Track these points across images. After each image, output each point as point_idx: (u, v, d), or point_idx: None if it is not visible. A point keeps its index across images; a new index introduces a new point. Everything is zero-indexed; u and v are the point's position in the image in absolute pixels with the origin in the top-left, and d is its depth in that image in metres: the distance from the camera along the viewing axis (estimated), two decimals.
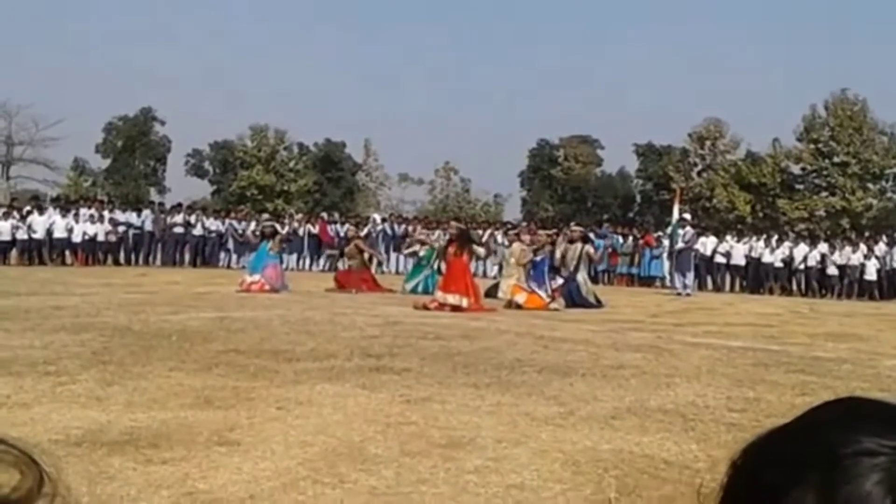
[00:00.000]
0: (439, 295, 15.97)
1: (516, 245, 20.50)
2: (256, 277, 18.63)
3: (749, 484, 0.62)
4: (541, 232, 20.49)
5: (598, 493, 4.62)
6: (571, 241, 19.40)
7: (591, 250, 19.71)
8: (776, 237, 31.32)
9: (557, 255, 18.43)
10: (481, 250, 17.97)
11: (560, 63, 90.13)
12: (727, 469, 0.64)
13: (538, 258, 18.00)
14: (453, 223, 20.37)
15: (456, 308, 15.37)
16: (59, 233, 28.00)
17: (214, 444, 5.31)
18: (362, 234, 29.16)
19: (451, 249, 16.99)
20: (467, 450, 5.36)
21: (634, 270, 31.48)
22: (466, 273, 16.54)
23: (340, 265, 27.88)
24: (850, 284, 28.34)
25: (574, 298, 17.96)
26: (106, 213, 29.99)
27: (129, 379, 7.27)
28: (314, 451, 5.22)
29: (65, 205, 30.90)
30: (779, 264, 29.25)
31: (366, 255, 22.40)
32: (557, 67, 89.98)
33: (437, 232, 28.43)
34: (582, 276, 18.61)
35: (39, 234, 27.64)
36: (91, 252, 28.84)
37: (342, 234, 30.13)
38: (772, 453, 0.63)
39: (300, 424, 5.88)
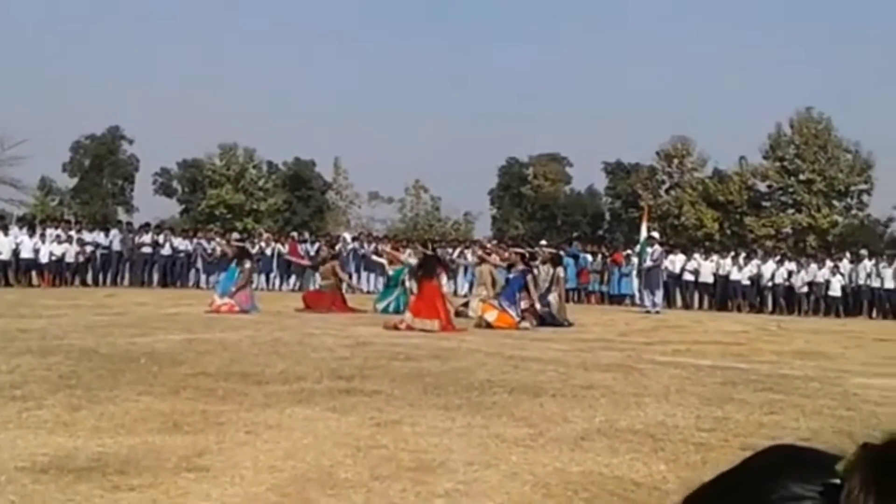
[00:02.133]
0: (408, 317, 15.95)
1: (485, 267, 20.56)
2: (226, 300, 18.53)
3: None
4: (512, 250, 20.55)
5: None
6: (543, 262, 19.48)
7: (562, 273, 19.79)
8: (744, 255, 31.62)
9: (539, 276, 18.53)
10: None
11: (528, 81, 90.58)
12: None
13: (511, 276, 18.05)
14: (419, 248, 20.41)
15: (425, 332, 15.36)
16: (25, 253, 27.70)
17: (183, 469, 5.27)
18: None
19: (420, 273, 17.02)
20: (437, 473, 5.36)
21: (604, 288, 31.63)
22: (437, 296, 16.50)
23: (311, 285, 27.85)
24: (817, 301, 28.65)
25: (545, 317, 18.00)
26: (73, 233, 29.73)
27: (96, 403, 7.20)
28: (284, 477, 5.19)
29: (30, 224, 30.57)
30: (746, 282, 29.51)
31: (341, 276, 22.38)
32: (526, 86, 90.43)
33: (409, 250, 28.46)
34: (553, 297, 18.65)
35: (5, 255, 27.32)
36: (58, 273, 28.56)
37: (313, 253, 30.10)
38: (709, 502, 0.65)
39: (270, 449, 5.85)
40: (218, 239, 30.86)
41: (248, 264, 19.59)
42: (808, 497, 0.59)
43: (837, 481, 0.58)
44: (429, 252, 19.15)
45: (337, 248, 29.34)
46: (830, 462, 0.61)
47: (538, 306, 17.78)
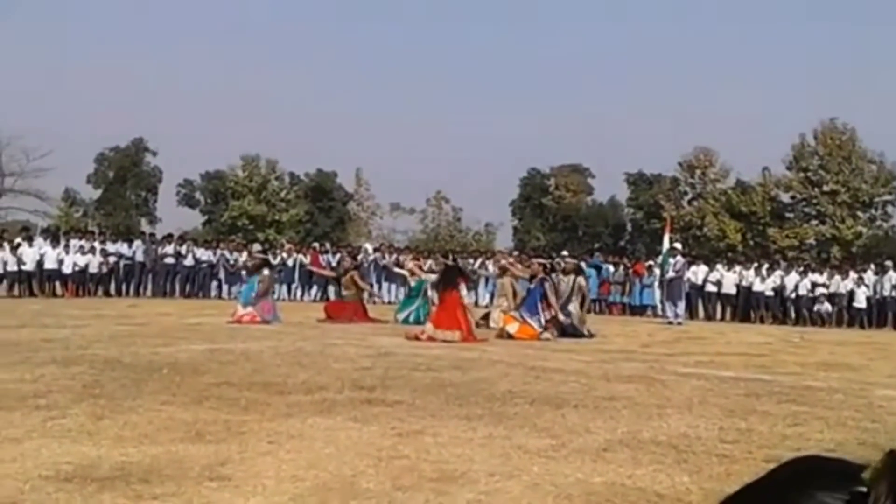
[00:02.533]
0: (430, 328, 15.95)
1: (507, 278, 20.53)
2: (249, 309, 18.60)
3: None
4: (534, 260, 20.53)
5: None
6: (565, 273, 19.45)
7: (584, 283, 19.74)
8: (767, 266, 31.43)
9: (560, 286, 18.53)
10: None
11: (551, 92, 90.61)
12: None
13: (531, 286, 18.02)
14: (441, 259, 20.39)
15: (447, 342, 15.36)
16: (49, 264, 27.91)
17: (206, 479, 5.28)
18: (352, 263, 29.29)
19: (441, 283, 17.04)
20: (459, 483, 5.35)
21: (626, 300, 31.52)
22: (458, 307, 16.50)
23: (332, 294, 27.91)
24: (840, 312, 28.43)
25: (566, 328, 17.95)
26: (97, 244, 29.94)
27: (119, 413, 7.23)
28: (305, 486, 5.20)
29: (54, 235, 30.80)
30: (769, 293, 29.32)
31: (362, 286, 22.46)
32: (549, 97, 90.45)
33: (430, 262, 28.50)
34: (574, 307, 18.60)
35: (29, 266, 27.54)
36: (82, 283, 28.76)
37: (334, 264, 30.19)
38: None
39: (292, 459, 5.86)
40: (244, 255, 30.93)
41: (266, 271, 19.68)
42: None
43: (863, 489, 0.58)
44: (450, 262, 19.14)
45: (359, 258, 29.46)
46: (856, 471, 0.61)
47: (561, 317, 17.73)
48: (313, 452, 6.06)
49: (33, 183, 54.83)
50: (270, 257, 28.49)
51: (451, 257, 24.66)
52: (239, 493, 5.00)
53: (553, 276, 18.89)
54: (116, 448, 6.01)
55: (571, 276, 19.28)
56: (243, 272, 21.49)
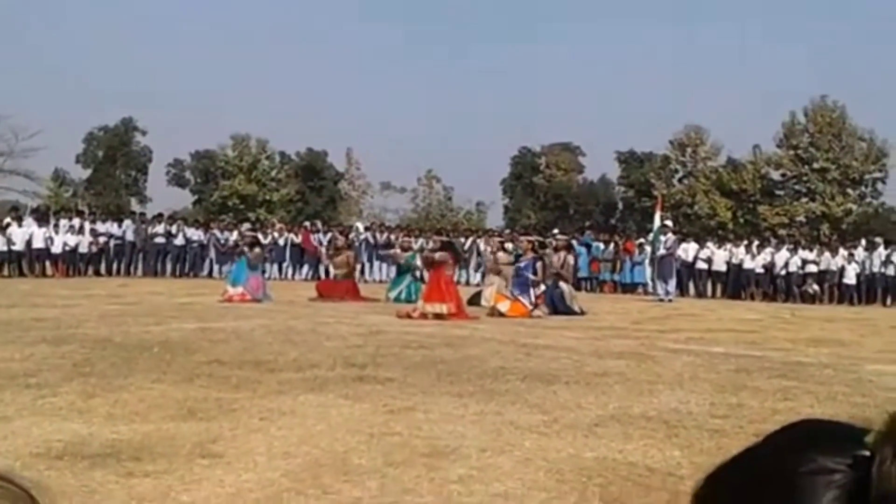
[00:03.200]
0: (421, 305, 15.97)
1: (502, 254, 20.51)
2: (239, 289, 18.59)
3: None
4: (522, 238, 20.51)
5: (583, 502, 4.63)
6: (556, 250, 19.46)
7: (572, 260, 19.75)
8: (757, 243, 31.49)
9: (554, 262, 18.52)
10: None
11: (541, 70, 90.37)
12: (691, 501, 0.64)
13: (522, 264, 18.01)
14: (436, 237, 20.34)
15: (438, 316, 15.39)
16: (36, 243, 27.79)
17: (197, 456, 5.28)
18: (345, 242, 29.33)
19: (434, 259, 17.03)
20: (451, 459, 5.36)
21: (616, 277, 31.56)
22: (449, 283, 16.56)
23: (322, 274, 27.88)
24: (831, 289, 28.53)
25: (557, 306, 17.98)
26: (86, 223, 29.83)
27: (110, 391, 7.22)
28: (297, 463, 5.20)
29: (43, 215, 30.65)
30: (760, 270, 29.39)
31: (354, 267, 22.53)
32: (538, 75, 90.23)
33: (420, 241, 28.48)
34: (565, 285, 18.62)
35: (19, 246, 27.43)
36: (72, 263, 28.66)
37: (325, 243, 30.17)
38: (732, 479, 0.63)
39: (283, 435, 5.86)
40: (234, 234, 30.83)
41: (257, 249, 19.72)
42: (838, 470, 0.57)
43: (867, 453, 0.57)
44: (445, 239, 19.11)
45: (350, 237, 29.43)
46: (857, 434, 0.59)
47: (542, 287, 17.67)
48: (305, 429, 6.06)
49: (22, 163, 54.48)
50: (261, 236, 28.48)
51: (446, 234, 24.61)
52: (231, 470, 5.00)
53: (546, 251, 18.90)
54: (107, 426, 6.01)
55: (562, 253, 19.29)
56: (237, 252, 21.43)
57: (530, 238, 19.34)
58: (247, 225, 32.21)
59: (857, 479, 0.56)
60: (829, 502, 0.56)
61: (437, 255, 17.05)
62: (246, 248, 19.72)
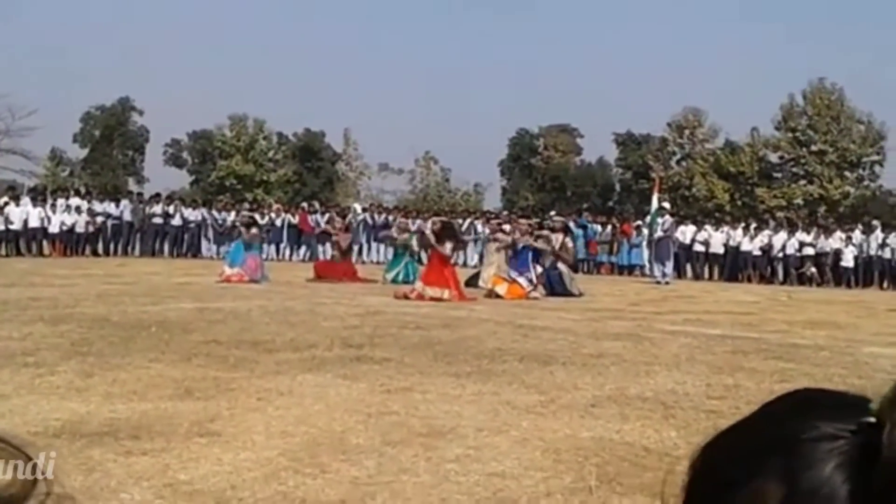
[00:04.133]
0: (419, 286, 15.97)
1: (501, 235, 20.50)
2: (236, 269, 18.57)
3: (709, 480, 0.62)
4: (521, 220, 20.48)
5: (579, 481, 4.64)
6: (553, 231, 19.46)
7: (570, 243, 19.75)
8: (754, 225, 31.50)
9: (553, 244, 18.53)
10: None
11: (539, 52, 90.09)
12: (687, 470, 0.64)
13: (519, 246, 18.02)
14: (436, 219, 20.30)
15: (436, 299, 15.39)
16: (32, 223, 27.76)
17: (195, 434, 5.30)
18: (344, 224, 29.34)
19: (433, 240, 17.01)
20: (448, 439, 5.38)
21: (613, 259, 31.58)
22: (447, 265, 16.57)
23: (321, 255, 27.89)
24: (827, 271, 28.55)
25: (555, 287, 17.99)
26: (83, 202, 29.79)
27: (108, 370, 7.23)
28: (295, 442, 5.21)
29: (40, 195, 30.60)
30: (757, 252, 29.42)
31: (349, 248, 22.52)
32: (536, 56, 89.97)
33: (418, 222, 28.45)
34: (563, 266, 18.62)
35: (17, 226, 27.42)
36: (69, 243, 28.64)
37: (323, 224, 30.19)
38: (730, 447, 0.62)
39: (281, 415, 5.88)
40: (231, 214, 30.79)
41: (253, 230, 19.72)
42: (841, 436, 0.56)
43: (872, 420, 0.56)
44: (445, 220, 19.11)
45: (347, 218, 29.38)
46: (858, 402, 0.58)
47: (539, 269, 17.68)
48: (303, 409, 6.08)
49: (19, 142, 54.28)
50: (258, 217, 28.42)
51: (445, 216, 24.58)
52: (228, 449, 5.02)
53: (543, 233, 18.90)
54: (105, 405, 6.02)
55: (559, 235, 19.29)
56: (234, 233, 21.44)
57: (529, 221, 19.32)
58: (245, 205, 32.17)
59: (861, 446, 0.55)
60: (832, 469, 0.55)
61: (436, 240, 16.99)
62: (243, 229, 19.71)
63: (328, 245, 26.49)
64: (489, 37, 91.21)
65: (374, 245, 31.75)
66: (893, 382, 0.58)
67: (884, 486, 0.53)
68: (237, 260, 18.92)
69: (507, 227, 21.51)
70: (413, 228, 23.23)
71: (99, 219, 29.65)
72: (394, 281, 19.65)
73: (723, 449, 0.63)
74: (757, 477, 0.57)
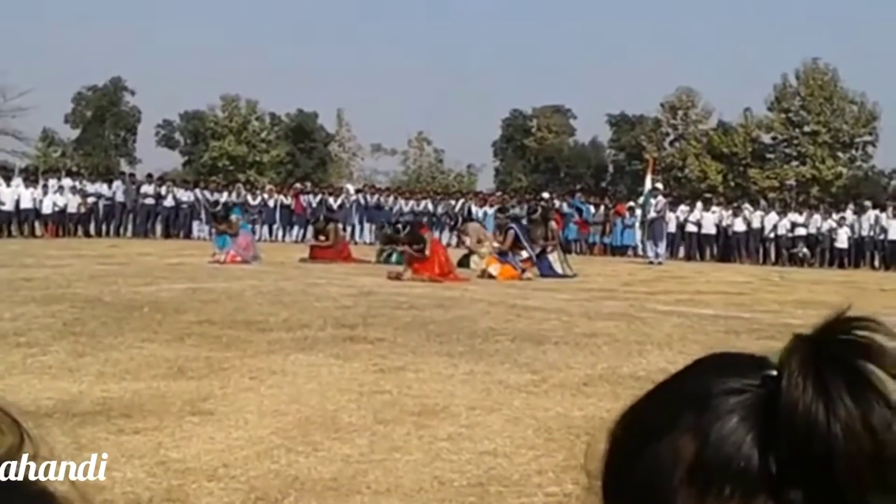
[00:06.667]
0: (408, 274, 15.93)
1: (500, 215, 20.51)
2: (227, 250, 18.50)
3: (627, 443, 0.65)
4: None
5: (571, 460, 4.66)
6: (534, 224, 19.48)
7: (553, 227, 19.77)
8: (747, 206, 31.54)
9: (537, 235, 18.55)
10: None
11: (532, 33, 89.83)
12: (607, 439, 0.67)
13: (511, 226, 18.03)
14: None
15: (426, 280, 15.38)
16: (24, 203, 27.69)
17: (187, 413, 5.30)
18: (336, 204, 29.42)
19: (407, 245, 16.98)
20: (440, 417, 5.39)
21: (606, 240, 31.62)
22: (437, 249, 16.55)
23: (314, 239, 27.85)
24: (822, 252, 28.63)
25: (546, 275, 17.99)
26: (75, 183, 29.70)
27: (100, 350, 7.23)
28: (288, 421, 5.23)
29: (31, 175, 30.52)
30: (742, 228, 29.48)
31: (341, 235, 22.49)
32: (530, 37, 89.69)
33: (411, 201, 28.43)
34: (551, 255, 18.62)
35: (8, 206, 27.34)
36: (61, 223, 28.57)
37: (315, 205, 30.18)
38: (644, 410, 0.67)
39: (273, 394, 5.89)
40: (224, 195, 30.76)
41: (232, 218, 19.76)
42: (747, 390, 0.60)
43: (774, 372, 0.60)
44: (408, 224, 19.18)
45: (340, 199, 29.38)
46: (764, 362, 0.63)
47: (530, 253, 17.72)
48: (295, 388, 6.09)
49: (11, 123, 53.99)
50: (251, 198, 28.42)
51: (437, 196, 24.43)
52: (221, 427, 5.03)
53: (534, 216, 18.93)
54: (98, 384, 6.02)
55: (542, 228, 19.24)
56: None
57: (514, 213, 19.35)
58: (238, 185, 32.12)
59: (766, 396, 0.59)
60: (738, 421, 0.59)
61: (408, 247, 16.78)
62: (217, 225, 19.70)
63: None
64: (483, 18, 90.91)
65: (366, 226, 31.76)
66: (792, 336, 0.62)
67: (783, 430, 0.57)
68: (226, 244, 18.80)
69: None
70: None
71: (91, 199, 29.58)
72: (387, 261, 19.62)
73: (637, 412, 0.67)
74: (671, 433, 0.61)
